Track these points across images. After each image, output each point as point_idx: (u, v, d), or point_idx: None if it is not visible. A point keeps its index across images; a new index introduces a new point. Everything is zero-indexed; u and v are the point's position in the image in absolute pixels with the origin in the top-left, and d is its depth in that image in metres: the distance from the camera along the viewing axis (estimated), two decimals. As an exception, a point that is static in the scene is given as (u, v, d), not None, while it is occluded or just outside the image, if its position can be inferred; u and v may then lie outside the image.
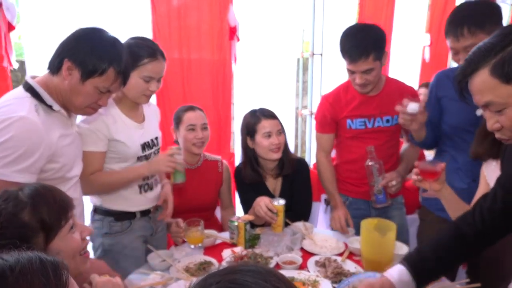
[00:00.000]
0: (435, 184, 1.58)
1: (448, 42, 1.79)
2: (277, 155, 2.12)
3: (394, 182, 2.05)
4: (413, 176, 1.61)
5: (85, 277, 1.15)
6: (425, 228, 2.09)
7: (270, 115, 2.14)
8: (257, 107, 2.22)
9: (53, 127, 1.43)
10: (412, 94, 2.17)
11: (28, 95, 1.40)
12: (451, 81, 1.89)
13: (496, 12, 1.73)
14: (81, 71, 1.41)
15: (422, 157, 2.99)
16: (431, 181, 1.57)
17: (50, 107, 1.43)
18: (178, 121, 2.23)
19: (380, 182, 2.06)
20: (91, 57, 1.40)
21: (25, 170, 1.33)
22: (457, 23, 1.71)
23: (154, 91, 1.81)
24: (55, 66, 1.43)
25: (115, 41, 1.47)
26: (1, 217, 0.96)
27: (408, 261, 1.32)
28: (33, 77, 1.46)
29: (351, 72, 2.01)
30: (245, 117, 2.20)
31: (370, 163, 2.04)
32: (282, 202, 1.96)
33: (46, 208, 1.03)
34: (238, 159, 2.58)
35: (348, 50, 1.95)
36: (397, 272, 1.31)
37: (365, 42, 1.92)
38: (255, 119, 2.14)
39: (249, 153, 2.19)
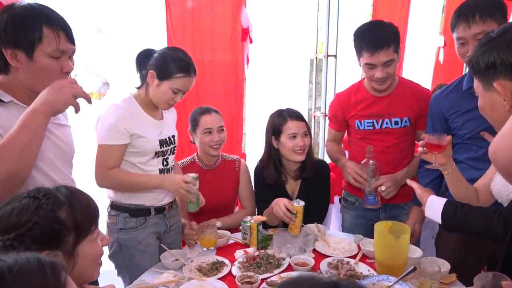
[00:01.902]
0: (440, 157, 1.57)
1: (457, 34, 1.76)
2: (301, 157, 2.10)
3: (383, 188, 2.01)
4: (419, 148, 1.61)
5: None
6: (444, 235, 2.05)
7: (297, 116, 2.13)
8: (279, 108, 2.21)
9: (4, 119, 1.34)
10: (424, 96, 2.14)
11: None
12: (450, 99, 1.88)
13: (503, 6, 1.74)
14: (22, 49, 1.32)
15: None
16: (436, 154, 1.56)
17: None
18: (194, 123, 2.25)
19: (373, 183, 2.03)
20: (20, 31, 1.31)
21: None
22: (468, 11, 1.70)
23: (177, 101, 1.89)
24: (0, 64, 1.36)
25: (30, 5, 1.37)
26: (42, 211, 0.99)
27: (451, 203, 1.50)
28: None
29: (370, 66, 1.98)
30: (272, 116, 2.19)
31: (365, 162, 2.02)
32: (301, 203, 1.94)
33: (80, 210, 1.05)
34: (249, 160, 2.58)
35: (368, 41, 1.94)
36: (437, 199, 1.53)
37: (385, 33, 1.95)
38: (282, 119, 2.12)
39: (273, 153, 2.17)
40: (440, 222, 1.51)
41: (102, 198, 1.96)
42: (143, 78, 1.88)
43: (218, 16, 2.79)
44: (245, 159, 3.07)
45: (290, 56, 3.30)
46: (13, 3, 1.40)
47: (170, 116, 2.07)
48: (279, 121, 2.13)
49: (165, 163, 1.97)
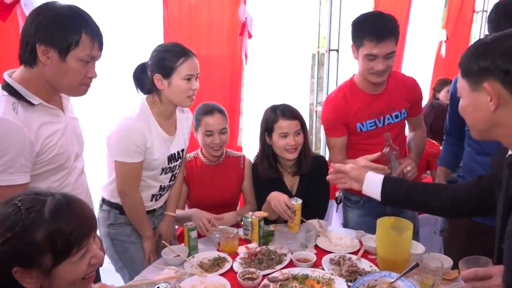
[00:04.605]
0: None
1: None
2: (292, 156, 2.07)
3: (409, 168, 1.99)
4: None
5: None
6: (452, 230, 2.06)
7: (290, 115, 2.07)
8: (278, 103, 2.16)
9: (36, 121, 1.38)
10: (413, 85, 2.16)
11: (4, 93, 1.35)
12: None
13: None
14: (57, 49, 1.35)
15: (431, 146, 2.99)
16: None
17: (29, 102, 1.37)
18: (197, 123, 2.17)
19: (397, 168, 1.99)
20: (60, 32, 1.34)
21: (16, 171, 1.31)
22: None
23: (196, 89, 1.86)
24: (29, 57, 1.37)
25: (71, 7, 1.41)
26: (18, 227, 0.91)
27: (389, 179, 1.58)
28: (10, 73, 1.41)
29: (371, 58, 1.90)
30: (266, 112, 2.15)
31: (387, 150, 1.99)
32: (299, 201, 1.94)
33: (62, 232, 0.94)
34: (245, 153, 2.53)
35: (373, 31, 1.86)
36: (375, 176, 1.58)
37: (389, 23, 1.90)
38: (274, 116, 2.08)
39: (266, 149, 2.15)
40: (379, 198, 1.55)
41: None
42: (150, 89, 1.85)
43: (216, 10, 2.75)
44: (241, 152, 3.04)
45: (291, 50, 3.27)
46: (54, 1, 1.41)
47: (185, 124, 2.04)
48: (271, 118, 2.09)
49: (172, 178, 2.00)
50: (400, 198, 1.56)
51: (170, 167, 1.94)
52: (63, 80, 1.41)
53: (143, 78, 1.86)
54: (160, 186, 1.96)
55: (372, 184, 1.57)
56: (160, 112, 1.87)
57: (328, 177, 1.74)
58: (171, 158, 1.93)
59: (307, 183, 2.17)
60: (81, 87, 1.47)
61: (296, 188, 2.19)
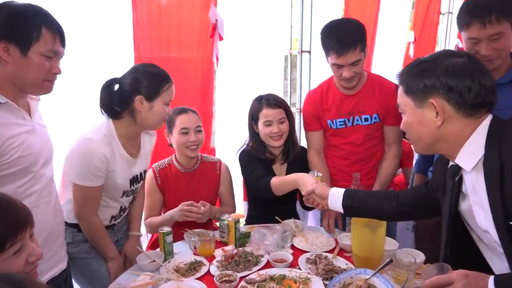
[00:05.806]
0: None
1: (469, 34, 1.69)
2: (277, 143, 2.13)
3: None
4: None
5: None
6: (423, 223, 2.13)
7: (274, 104, 2.12)
8: (265, 93, 2.21)
9: (1, 120, 1.36)
10: (390, 91, 2.14)
11: None
12: None
13: None
14: (18, 45, 1.34)
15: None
16: None
17: None
18: (170, 124, 2.14)
19: None
20: (19, 27, 1.33)
21: None
22: (484, 11, 1.64)
23: (169, 114, 1.87)
24: None
25: (30, 4, 1.40)
26: None
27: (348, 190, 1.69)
28: None
29: (337, 67, 2.00)
30: (252, 102, 2.20)
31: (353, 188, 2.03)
32: (319, 174, 1.97)
33: None
34: (217, 156, 2.53)
35: (335, 44, 1.94)
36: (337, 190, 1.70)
37: (351, 34, 1.94)
38: (259, 105, 2.14)
39: (255, 138, 2.20)
40: (342, 210, 1.67)
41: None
42: (121, 109, 1.78)
43: (186, 12, 2.72)
44: (214, 154, 3.03)
45: (264, 52, 3.29)
46: (12, 0, 1.38)
47: (148, 144, 2.00)
48: (256, 107, 2.16)
49: (132, 200, 1.98)
50: (357, 208, 1.66)
51: (132, 190, 1.92)
52: (26, 75, 1.38)
53: (113, 97, 1.78)
54: (120, 207, 1.93)
55: (335, 199, 1.68)
56: (127, 133, 1.82)
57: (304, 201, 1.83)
58: (133, 180, 1.90)
59: (294, 170, 2.14)
60: (45, 83, 1.44)
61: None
